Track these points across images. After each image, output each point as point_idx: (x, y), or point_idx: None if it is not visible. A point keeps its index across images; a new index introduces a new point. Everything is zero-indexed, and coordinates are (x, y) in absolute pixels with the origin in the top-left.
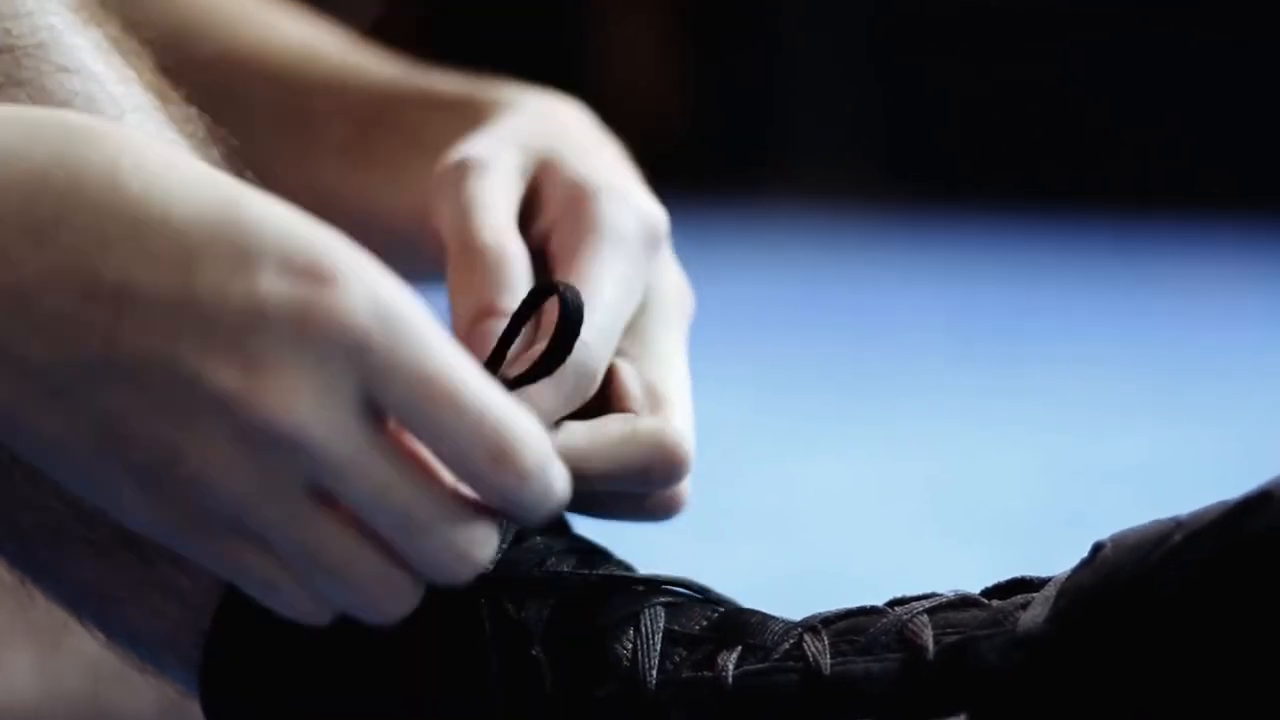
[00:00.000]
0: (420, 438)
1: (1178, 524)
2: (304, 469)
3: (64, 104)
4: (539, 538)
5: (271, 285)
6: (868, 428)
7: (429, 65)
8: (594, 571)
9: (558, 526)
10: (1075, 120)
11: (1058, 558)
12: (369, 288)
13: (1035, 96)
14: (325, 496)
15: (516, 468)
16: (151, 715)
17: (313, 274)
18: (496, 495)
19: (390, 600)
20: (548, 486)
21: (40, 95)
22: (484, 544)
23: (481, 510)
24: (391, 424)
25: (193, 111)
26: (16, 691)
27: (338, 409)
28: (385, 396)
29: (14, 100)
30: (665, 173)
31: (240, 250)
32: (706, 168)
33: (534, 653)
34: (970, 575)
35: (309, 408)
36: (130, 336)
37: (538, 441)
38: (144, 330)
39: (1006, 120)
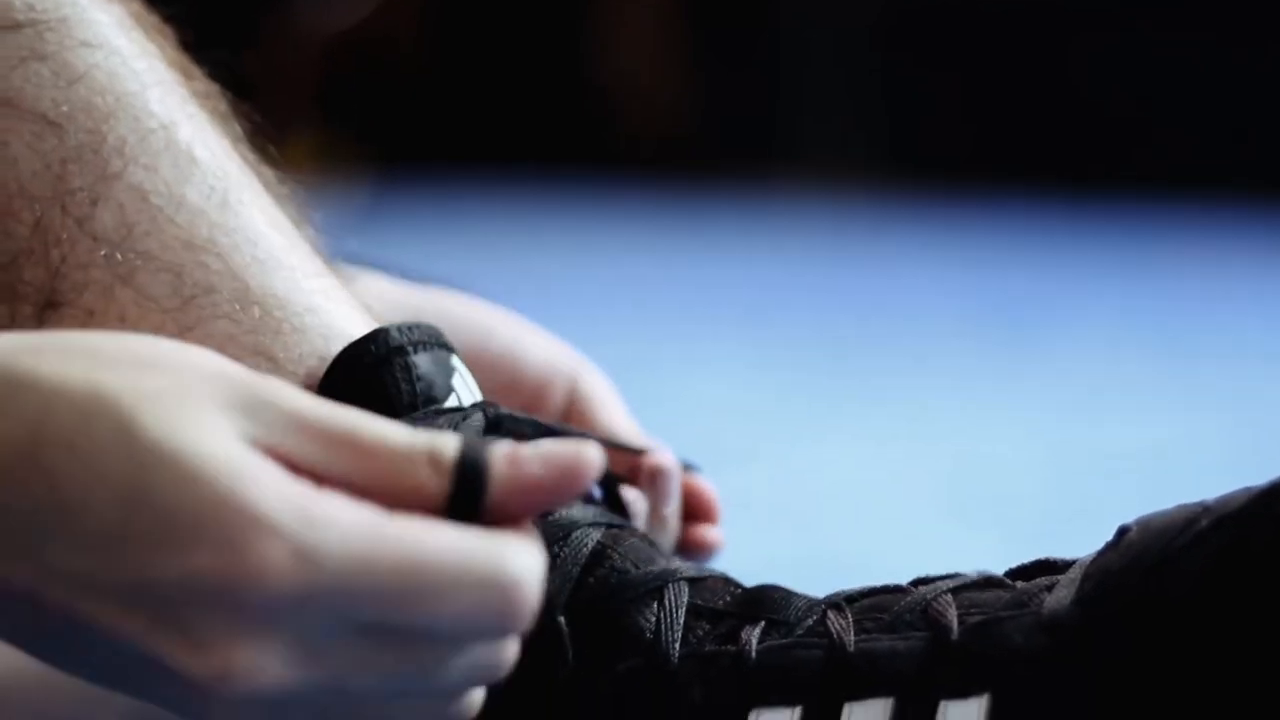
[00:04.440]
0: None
1: (1205, 509)
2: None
3: (85, 77)
4: (562, 510)
5: (198, 562)
6: (878, 413)
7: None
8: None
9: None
10: (1081, 105)
11: (1070, 542)
12: (285, 537)
13: (1039, 80)
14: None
15: (510, 616)
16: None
17: (228, 541)
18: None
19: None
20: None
21: (63, 70)
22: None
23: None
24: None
25: (215, 88)
26: (17, 675)
27: (311, 649)
28: (358, 615)
29: (37, 74)
30: (672, 160)
31: (162, 529)
32: (713, 154)
33: (557, 620)
34: (982, 559)
35: (280, 665)
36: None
37: (519, 592)
38: (92, 613)
39: (1011, 105)
